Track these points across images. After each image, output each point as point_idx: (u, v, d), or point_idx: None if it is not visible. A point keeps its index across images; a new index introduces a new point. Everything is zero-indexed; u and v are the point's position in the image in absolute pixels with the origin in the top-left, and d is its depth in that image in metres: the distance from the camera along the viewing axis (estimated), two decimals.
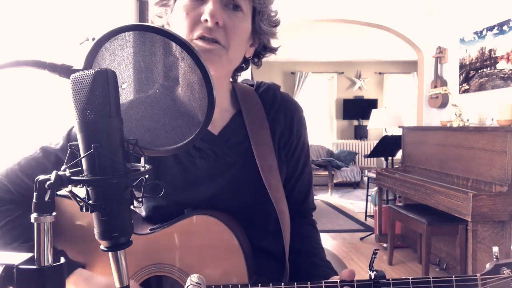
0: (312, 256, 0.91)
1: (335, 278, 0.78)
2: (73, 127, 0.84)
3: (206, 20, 0.72)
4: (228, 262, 0.78)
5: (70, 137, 0.83)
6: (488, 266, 0.72)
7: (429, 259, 2.98)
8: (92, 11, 2.12)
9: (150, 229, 0.81)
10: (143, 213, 0.90)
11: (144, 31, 0.47)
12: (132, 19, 2.80)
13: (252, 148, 0.85)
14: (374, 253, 0.70)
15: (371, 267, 0.71)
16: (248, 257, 0.78)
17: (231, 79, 0.90)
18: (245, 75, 0.96)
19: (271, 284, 0.73)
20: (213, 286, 0.74)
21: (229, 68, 0.83)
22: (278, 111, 0.91)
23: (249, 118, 0.87)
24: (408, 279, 0.71)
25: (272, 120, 0.89)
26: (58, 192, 0.42)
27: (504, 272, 0.70)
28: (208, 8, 0.72)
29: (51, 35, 1.74)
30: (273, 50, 0.91)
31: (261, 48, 0.89)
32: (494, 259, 0.72)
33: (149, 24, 0.47)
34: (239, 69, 0.90)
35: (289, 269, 0.89)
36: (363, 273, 3.30)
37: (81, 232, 0.82)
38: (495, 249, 0.72)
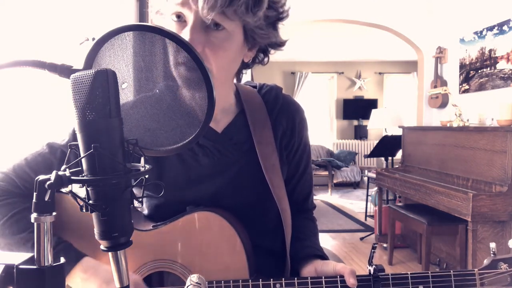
0: (298, 240, 0.92)
1: (329, 266, 0.79)
2: None
3: None
4: (230, 259, 0.78)
5: (75, 134, 0.84)
6: (485, 261, 0.73)
7: (429, 259, 2.98)
8: (92, 11, 2.12)
9: (153, 226, 0.82)
10: (145, 211, 0.91)
11: (144, 31, 0.47)
12: (132, 19, 2.80)
13: (255, 147, 0.85)
14: (373, 248, 0.71)
15: (370, 262, 0.72)
16: (249, 253, 0.79)
17: (235, 81, 0.91)
18: (245, 75, 0.95)
19: (271, 279, 0.73)
20: (214, 282, 0.74)
21: (220, 81, 0.79)
22: (280, 112, 0.91)
23: (252, 118, 0.87)
24: (407, 274, 0.72)
25: (274, 121, 0.90)
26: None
27: (502, 267, 0.71)
28: (185, 35, 0.69)
29: (51, 35, 1.74)
30: (281, 45, 0.87)
31: (264, 47, 0.85)
32: (492, 255, 0.73)
33: (149, 24, 0.47)
34: (242, 68, 0.88)
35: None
36: (363, 273, 3.30)
37: (83, 229, 0.82)
38: (492, 245, 0.73)
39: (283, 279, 0.74)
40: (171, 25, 0.74)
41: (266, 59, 0.88)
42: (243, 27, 0.76)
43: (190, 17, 0.70)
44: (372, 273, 0.72)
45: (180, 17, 0.72)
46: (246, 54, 0.83)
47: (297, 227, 0.94)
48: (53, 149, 0.83)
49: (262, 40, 0.80)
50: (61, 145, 0.84)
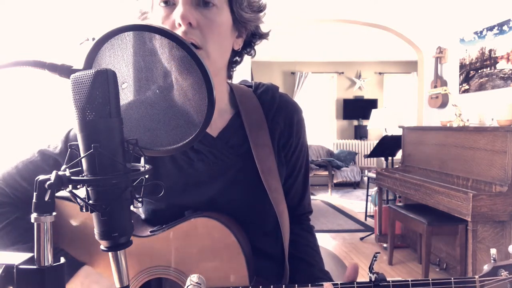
0: (311, 267, 0.91)
1: None
2: (71, 130, 0.84)
3: (180, 24, 0.71)
4: (229, 264, 0.77)
5: (68, 140, 0.82)
6: (486, 268, 0.72)
7: (429, 259, 2.98)
8: (92, 11, 2.12)
9: (151, 231, 0.81)
10: (143, 216, 0.90)
11: (144, 31, 0.47)
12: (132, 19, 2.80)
13: (252, 150, 0.84)
14: (375, 256, 0.70)
15: (371, 270, 0.71)
16: (248, 259, 0.78)
17: (228, 80, 0.89)
18: (245, 75, 0.94)
19: (272, 286, 0.73)
20: None
21: (216, 66, 0.79)
22: (277, 112, 0.90)
23: (248, 120, 0.86)
24: (408, 281, 0.71)
25: (271, 122, 0.89)
26: (57, 194, 0.42)
27: (502, 274, 0.70)
28: (178, 11, 0.71)
29: (51, 35, 1.74)
30: (264, 36, 0.89)
31: (250, 36, 0.86)
32: (492, 261, 0.72)
33: (150, 24, 0.47)
34: (233, 63, 0.87)
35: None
36: (362, 273, 3.30)
37: (81, 233, 0.82)
38: (493, 251, 0.72)
39: (283, 286, 0.73)
40: (159, 14, 0.74)
41: (252, 51, 0.90)
42: (230, 9, 0.78)
43: None
44: (373, 280, 0.71)
45: (167, 2, 0.73)
46: (235, 41, 0.83)
47: (298, 243, 0.93)
48: (45, 156, 0.81)
49: (247, 24, 0.82)
50: (54, 153, 0.81)
